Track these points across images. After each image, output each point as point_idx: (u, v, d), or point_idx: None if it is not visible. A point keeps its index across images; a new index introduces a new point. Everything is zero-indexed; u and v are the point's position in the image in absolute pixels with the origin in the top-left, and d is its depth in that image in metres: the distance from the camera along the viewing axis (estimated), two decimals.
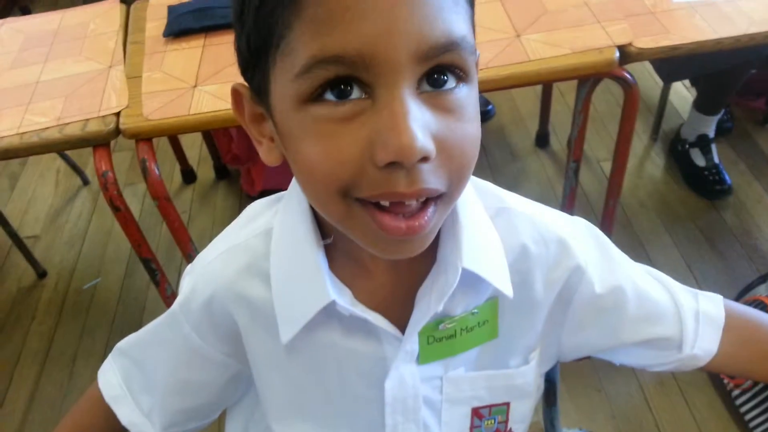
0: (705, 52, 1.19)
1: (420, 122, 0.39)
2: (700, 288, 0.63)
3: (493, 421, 0.62)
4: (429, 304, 0.52)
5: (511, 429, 0.63)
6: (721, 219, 1.76)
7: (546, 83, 1.87)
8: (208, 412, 0.66)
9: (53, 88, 1.28)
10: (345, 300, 0.52)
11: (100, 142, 1.18)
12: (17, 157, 1.20)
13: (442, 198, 0.43)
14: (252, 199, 1.96)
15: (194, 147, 2.17)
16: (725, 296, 0.62)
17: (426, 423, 0.59)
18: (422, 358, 0.56)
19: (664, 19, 1.23)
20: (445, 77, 0.41)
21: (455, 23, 0.40)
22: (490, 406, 0.61)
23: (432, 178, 0.41)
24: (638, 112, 1.30)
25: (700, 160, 1.83)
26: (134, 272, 1.82)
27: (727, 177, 1.81)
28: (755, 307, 1.27)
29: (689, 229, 1.74)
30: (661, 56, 1.21)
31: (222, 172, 2.09)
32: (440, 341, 0.56)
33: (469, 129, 0.42)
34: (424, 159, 0.39)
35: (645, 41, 1.18)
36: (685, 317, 0.60)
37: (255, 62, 0.43)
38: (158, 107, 1.18)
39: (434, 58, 0.39)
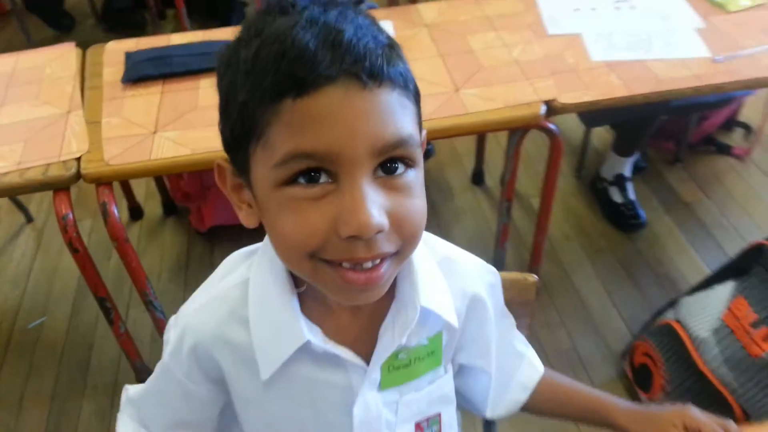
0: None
1: (375, 203, 0.49)
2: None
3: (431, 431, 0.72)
4: (393, 338, 0.63)
5: None
6: (636, 250, 1.95)
7: (480, 133, 2.02)
8: None
9: (11, 132, 1.30)
10: (317, 339, 0.61)
11: (61, 187, 1.21)
12: None
13: (396, 255, 0.54)
14: (201, 235, 2.01)
15: (141, 183, 2.18)
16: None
17: None
18: (383, 385, 0.66)
19: (585, 77, 1.38)
20: (396, 165, 0.51)
21: (403, 125, 0.50)
22: (428, 419, 0.72)
23: (386, 244, 0.52)
24: (564, 153, 1.45)
25: (617, 197, 2.02)
26: (81, 310, 1.82)
27: (641, 212, 2.01)
28: (664, 330, 1.41)
29: (608, 259, 1.92)
30: (582, 110, 1.36)
31: (170, 208, 2.11)
32: (398, 369, 0.66)
33: (417, 203, 0.53)
34: (379, 231, 0.50)
35: (568, 96, 1.33)
36: (520, 360, 0.80)
37: (237, 146, 0.53)
38: (119, 152, 1.23)
39: (387, 152, 0.50)
